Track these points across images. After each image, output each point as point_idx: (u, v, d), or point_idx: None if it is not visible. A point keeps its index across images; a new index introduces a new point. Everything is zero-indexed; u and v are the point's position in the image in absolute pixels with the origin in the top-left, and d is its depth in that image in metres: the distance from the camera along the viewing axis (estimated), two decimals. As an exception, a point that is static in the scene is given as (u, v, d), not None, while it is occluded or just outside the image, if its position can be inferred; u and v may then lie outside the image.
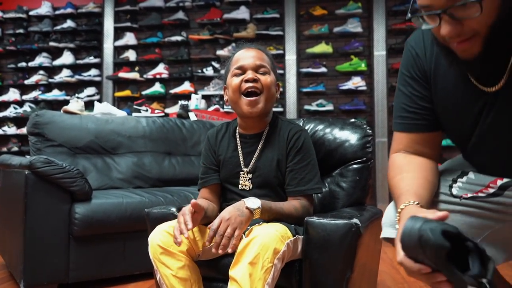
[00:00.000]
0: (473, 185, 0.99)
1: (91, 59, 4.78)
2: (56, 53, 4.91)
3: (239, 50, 1.36)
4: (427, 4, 0.81)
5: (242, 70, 1.30)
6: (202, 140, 2.83)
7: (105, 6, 4.73)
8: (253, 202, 1.13)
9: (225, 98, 1.38)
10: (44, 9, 4.91)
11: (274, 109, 4.17)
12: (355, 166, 1.47)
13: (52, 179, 1.84)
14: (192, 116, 3.04)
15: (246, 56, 1.31)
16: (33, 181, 1.82)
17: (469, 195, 0.99)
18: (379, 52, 4.14)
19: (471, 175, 1.01)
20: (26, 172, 1.82)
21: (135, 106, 3.15)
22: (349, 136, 1.51)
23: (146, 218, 1.38)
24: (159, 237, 1.16)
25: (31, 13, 4.96)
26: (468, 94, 0.94)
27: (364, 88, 4.18)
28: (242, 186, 1.33)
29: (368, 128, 1.52)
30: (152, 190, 2.34)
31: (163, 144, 2.72)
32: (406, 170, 1.00)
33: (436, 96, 1.01)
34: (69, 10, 4.85)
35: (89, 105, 4.17)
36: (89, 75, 4.78)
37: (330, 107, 4.23)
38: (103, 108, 2.78)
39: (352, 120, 1.56)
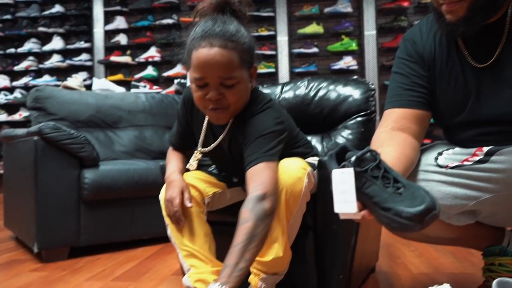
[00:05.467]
0: (459, 155, 1.02)
1: (82, 44, 4.76)
2: (45, 38, 4.87)
3: (201, 45, 1.03)
4: None
5: (203, 83, 1.06)
6: (200, 115, 2.87)
7: (94, -10, 4.70)
8: None
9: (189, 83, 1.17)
10: (32, -6, 4.86)
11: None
12: (359, 119, 1.54)
13: (60, 145, 1.87)
14: (190, 93, 3.07)
15: (208, 64, 1.03)
16: (42, 147, 1.85)
17: (455, 163, 1.00)
18: (369, 31, 4.22)
19: (457, 149, 1.06)
20: (35, 139, 1.85)
21: (133, 83, 3.17)
22: (352, 92, 1.58)
23: (161, 171, 1.44)
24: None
25: (18, -2, 4.90)
26: (463, 72, 1.05)
27: (356, 67, 4.26)
28: (188, 165, 1.27)
29: (370, 83, 1.59)
30: (156, 161, 2.39)
31: (163, 118, 2.75)
32: (386, 145, 1.02)
33: (434, 76, 1.09)
34: (57, -5, 4.81)
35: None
36: (80, 60, 4.76)
37: (322, 86, 4.29)
38: (102, 85, 2.80)
39: (355, 77, 1.63)
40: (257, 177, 1.03)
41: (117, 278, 1.62)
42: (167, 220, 1.21)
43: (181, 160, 1.31)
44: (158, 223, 2.12)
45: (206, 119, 1.23)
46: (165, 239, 2.18)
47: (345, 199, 0.76)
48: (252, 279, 1.14)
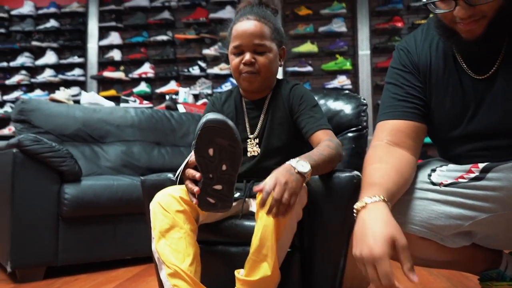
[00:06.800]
0: (454, 171, 0.96)
1: (75, 59, 4.73)
2: (38, 53, 4.83)
3: (240, 20, 1.28)
4: None
5: (240, 50, 1.26)
6: (191, 131, 2.82)
7: (89, 6, 4.70)
8: (303, 166, 1.01)
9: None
10: (27, 8, 4.84)
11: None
12: (350, 134, 1.49)
13: (41, 158, 1.80)
14: (181, 108, 3.03)
15: (244, 33, 1.24)
16: (21, 160, 1.78)
17: (449, 181, 0.95)
18: (364, 51, 4.22)
19: (451, 165, 1.00)
20: (14, 151, 1.78)
21: (123, 97, 3.12)
22: (343, 106, 1.53)
23: (141, 186, 1.36)
24: (162, 200, 1.13)
25: (12, 12, 4.88)
26: (461, 83, 1.00)
27: (350, 86, 4.23)
28: (250, 153, 1.29)
29: (362, 98, 1.54)
30: (141, 177, 2.32)
31: (152, 134, 2.69)
32: (384, 161, 0.98)
33: (430, 88, 1.05)
34: (52, 10, 4.79)
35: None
36: (73, 75, 4.72)
37: (316, 105, 4.26)
38: (91, 98, 2.75)
39: (346, 91, 1.58)
40: (325, 137, 1.20)
41: (93, 300, 1.53)
42: (154, 233, 1.12)
43: None
44: (142, 242, 2.05)
45: (244, 107, 1.34)
46: (149, 259, 2.10)
47: None
48: (236, 299, 1.06)
